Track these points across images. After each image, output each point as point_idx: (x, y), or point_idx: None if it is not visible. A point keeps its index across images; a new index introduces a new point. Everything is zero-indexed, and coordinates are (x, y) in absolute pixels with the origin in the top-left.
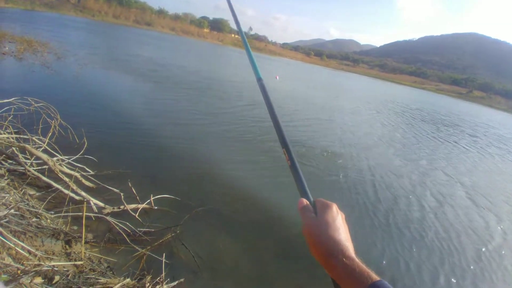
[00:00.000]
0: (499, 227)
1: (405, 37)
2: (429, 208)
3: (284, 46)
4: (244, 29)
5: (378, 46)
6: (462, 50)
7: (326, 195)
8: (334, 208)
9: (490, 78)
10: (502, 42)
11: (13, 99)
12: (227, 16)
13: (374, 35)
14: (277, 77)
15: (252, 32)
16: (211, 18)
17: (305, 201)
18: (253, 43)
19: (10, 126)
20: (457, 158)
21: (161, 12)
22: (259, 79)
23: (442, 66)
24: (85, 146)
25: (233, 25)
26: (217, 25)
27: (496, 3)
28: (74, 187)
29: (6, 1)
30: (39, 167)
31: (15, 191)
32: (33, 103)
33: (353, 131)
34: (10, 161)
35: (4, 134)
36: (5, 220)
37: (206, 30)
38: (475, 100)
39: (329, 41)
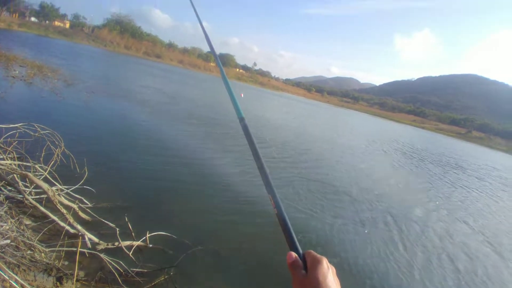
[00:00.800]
0: None
1: (404, 76)
2: (461, 266)
3: (287, 81)
4: (249, 64)
5: (377, 84)
6: (461, 90)
7: (348, 247)
8: (325, 263)
9: (489, 118)
10: (500, 83)
11: (19, 124)
12: (234, 52)
13: (374, 74)
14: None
15: (256, 68)
16: (218, 53)
17: (294, 255)
18: (256, 77)
19: (14, 152)
20: (473, 205)
21: (170, 46)
22: (241, 119)
23: (441, 106)
24: (85, 176)
25: (239, 61)
26: (222, 60)
27: (494, 46)
28: (71, 220)
29: (20, 25)
30: (38, 196)
31: (12, 220)
32: (39, 129)
33: (367, 174)
34: (10, 188)
35: (7, 160)
36: (1, 250)
37: (212, 64)
38: (475, 141)
39: (330, 78)
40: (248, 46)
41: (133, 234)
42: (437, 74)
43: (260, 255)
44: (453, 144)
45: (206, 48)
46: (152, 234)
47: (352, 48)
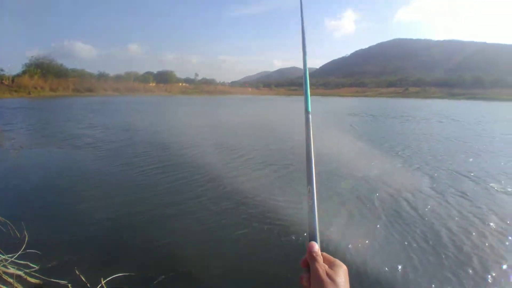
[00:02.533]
0: None
1: (339, 54)
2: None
3: (233, 84)
4: (191, 76)
5: (318, 67)
6: (390, 55)
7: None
8: (343, 269)
9: (421, 73)
10: (422, 40)
11: None
12: (172, 67)
13: (313, 58)
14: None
15: (199, 78)
16: (155, 72)
17: (316, 245)
18: (202, 87)
19: None
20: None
21: (101, 76)
22: (307, 112)
23: (377, 73)
24: (26, 239)
25: (180, 75)
26: (163, 77)
27: (410, 10)
28: None
29: None
30: None
31: None
32: None
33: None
34: None
35: None
36: None
37: (152, 84)
38: (413, 96)
39: (274, 72)
40: (186, 59)
41: (88, 284)
42: (367, 46)
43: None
44: (398, 103)
45: (142, 70)
46: (107, 279)
47: (288, 39)
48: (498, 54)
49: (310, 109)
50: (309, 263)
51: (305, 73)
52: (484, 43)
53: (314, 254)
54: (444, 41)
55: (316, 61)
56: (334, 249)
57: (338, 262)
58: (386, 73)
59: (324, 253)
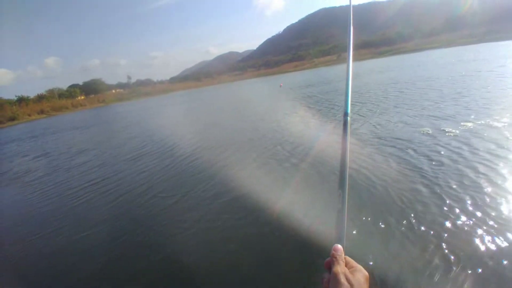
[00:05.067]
0: None
1: (273, 32)
2: None
3: (172, 80)
4: (123, 80)
5: (255, 48)
6: (318, 25)
7: None
8: (364, 274)
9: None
10: (345, 6)
11: None
12: (99, 74)
13: (250, 39)
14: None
15: (132, 80)
16: (81, 83)
17: (341, 248)
18: (139, 90)
19: None
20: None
21: (21, 100)
22: (345, 114)
23: (311, 45)
24: None
25: (110, 81)
26: (91, 88)
27: None
28: None
29: None
30: None
31: None
32: None
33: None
34: None
35: None
36: None
37: (81, 97)
38: (346, 60)
39: (212, 60)
40: (114, 62)
41: None
42: (297, 20)
43: None
44: (329, 71)
45: (65, 85)
46: None
47: (220, 23)
48: (413, 8)
49: (349, 111)
50: (331, 265)
51: (347, 74)
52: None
53: (337, 257)
54: (364, 4)
55: (252, 43)
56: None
57: (359, 267)
58: (319, 43)
59: (347, 257)
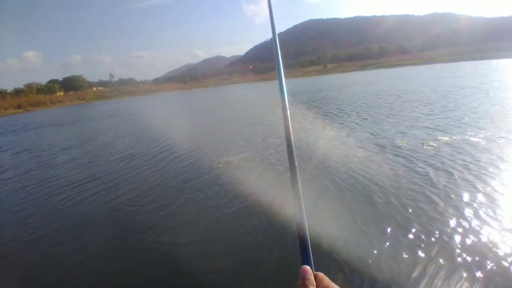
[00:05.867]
0: None
1: (261, 39)
2: None
3: (157, 81)
4: (105, 78)
5: (243, 54)
6: (306, 36)
7: None
8: None
9: (335, 50)
10: (332, 19)
11: None
12: (81, 71)
13: (237, 44)
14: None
15: (115, 79)
16: (61, 79)
17: (309, 270)
18: (121, 89)
19: None
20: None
21: None
22: (283, 107)
23: (298, 54)
24: None
25: (92, 78)
26: (71, 84)
27: None
28: None
29: None
30: None
31: None
32: None
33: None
34: None
35: None
36: None
37: (60, 93)
38: (331, 72)
39: (199, 63)
40: (96, 59)
41: None
42: (284, 29)
43: None
44: (320, 81)
45: (44, 80)
46: None
47: (209, 27)
48: (399, 24)
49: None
50: None
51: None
52: (384, 16)
53: (306, 282)
54: (350, 18)
55: (240, 48)
56: None
57: (331, 285)
58: (305, 53)
59: (320, 275)
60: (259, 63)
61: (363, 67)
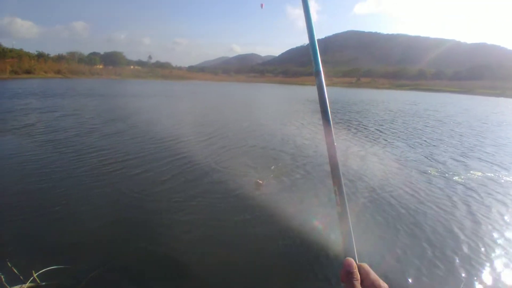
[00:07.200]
0: None
1: (298, 43)
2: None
3: (191, 69)
4: (144, 58)
5: (277, 55)
6: (345, 46)
7: None
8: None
9: (371, 64)
10: (374, 33)
11: None
12: (121, 48)
13: (273, 45)
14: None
15: (152, 61)
16: (102, 53)
17: (353, 263)
18: (156, 71)
19: None
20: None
21: (41, 56)
22: (317, 73)
23: (332, 63)
24: None
25: (131, 56)
26: (111, 59)
27: (366, 5)
28: None
29: None
30: None
31: None
32: None
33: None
34: None
35: None
36: None
37: (99, 66)
38: (364, 86)
39: (233, 58)
40: (138, 40)
41: (21, 277)
42: (323, 36)
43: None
44: (354, 93)
45: (87, 51)
46: (40, 272)
47: (250, 24)
48: (443, 48)
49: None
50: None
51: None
52: (428, 38)
53: (350, 276)
54: (392, 34)
55: (275, 50)
56: None
57: (379, 283)
58: (340, 63)
59: (364, 266)
60: (292, 65)
61: (397, 86)
